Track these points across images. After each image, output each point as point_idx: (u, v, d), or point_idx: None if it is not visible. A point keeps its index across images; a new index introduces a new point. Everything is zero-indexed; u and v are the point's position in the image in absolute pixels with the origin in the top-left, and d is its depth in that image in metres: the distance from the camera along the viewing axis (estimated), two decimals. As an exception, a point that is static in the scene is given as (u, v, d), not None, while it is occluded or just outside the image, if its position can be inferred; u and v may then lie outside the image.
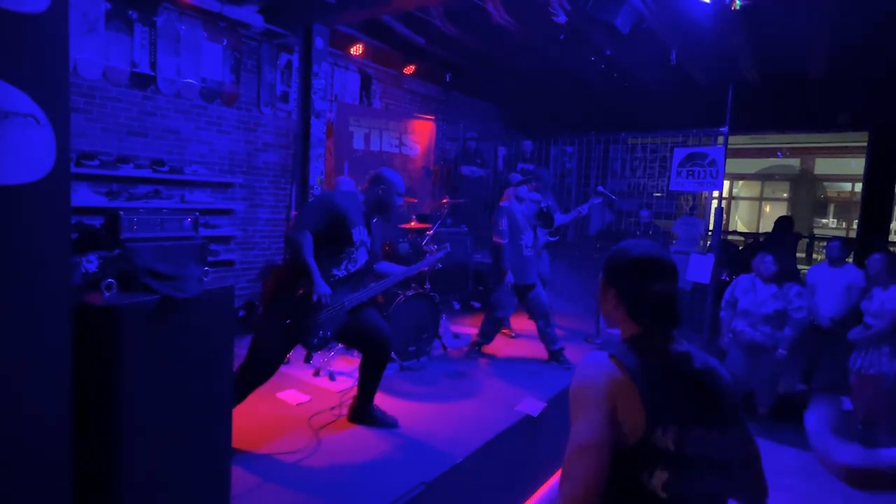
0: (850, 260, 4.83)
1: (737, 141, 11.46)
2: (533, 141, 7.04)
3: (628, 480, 1.11)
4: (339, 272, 2.85)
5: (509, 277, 4.24)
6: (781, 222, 6.40)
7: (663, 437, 1.10)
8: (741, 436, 1.19)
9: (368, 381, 3.13)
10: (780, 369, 4.33)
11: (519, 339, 5.13)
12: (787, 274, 4.51)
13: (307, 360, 4.27)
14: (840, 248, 4.58)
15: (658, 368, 1.16)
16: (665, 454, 1.10)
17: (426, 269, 3.33)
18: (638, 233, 6.40)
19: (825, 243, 5.24)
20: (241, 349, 3.73)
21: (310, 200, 2.79)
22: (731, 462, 1.16)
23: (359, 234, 2.88)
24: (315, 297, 2.70)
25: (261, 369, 2.82)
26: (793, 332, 4.12)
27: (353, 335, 3.01)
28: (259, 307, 2.65)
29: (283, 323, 2.75)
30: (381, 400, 3.53)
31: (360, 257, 2.93)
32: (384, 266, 3.18)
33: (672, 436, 1.10)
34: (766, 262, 4.22)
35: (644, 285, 1.19)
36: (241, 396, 2.75)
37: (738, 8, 4.19)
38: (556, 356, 4.33)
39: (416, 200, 6.28)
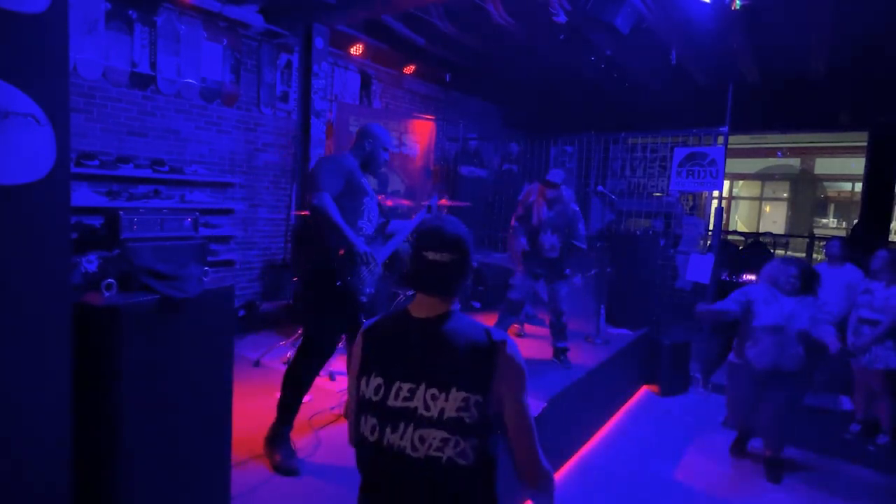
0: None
1: (737, 141, 11.46)
2: (532, 141, 7.04)
3: (360, 425, 1.24)
4: (364, 224, 2.88)
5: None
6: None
7: (367, 386, 1.22)
8: (474, 401, 1.15)
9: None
10: (803, 394, 3.55)
11: (524, 339, 5.12)
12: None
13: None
14: (840, 248, 4.56)
15: (389, 328, 1.29)
16: (370, 403, 1.21)
17: (434, 205, 3.43)
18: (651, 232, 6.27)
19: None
20: (242, 349, 3.74)
21: (315, 167, 2.79)
22: (459, 422, 1.14)
23: (367, 184, 2.92)
24: (359, 256, 2.69)
25: (328, 342, 2.81)
26: (834, 328, 3.28)
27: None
28: (300, 288, 2.64)
29: (335, 287, 2.72)
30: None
31: (374, 208, 2.97)
32: (392, 224, 3.20)
33: (374, 385, 1.21)
34: (789, 275, 3.38)
35: (413, 252, 1.30)
36: (310, 381, 2.76)
37: (738, 8, 4.20)
38: (558, 354, 4.36)
39: (413, 203, 6.27)
